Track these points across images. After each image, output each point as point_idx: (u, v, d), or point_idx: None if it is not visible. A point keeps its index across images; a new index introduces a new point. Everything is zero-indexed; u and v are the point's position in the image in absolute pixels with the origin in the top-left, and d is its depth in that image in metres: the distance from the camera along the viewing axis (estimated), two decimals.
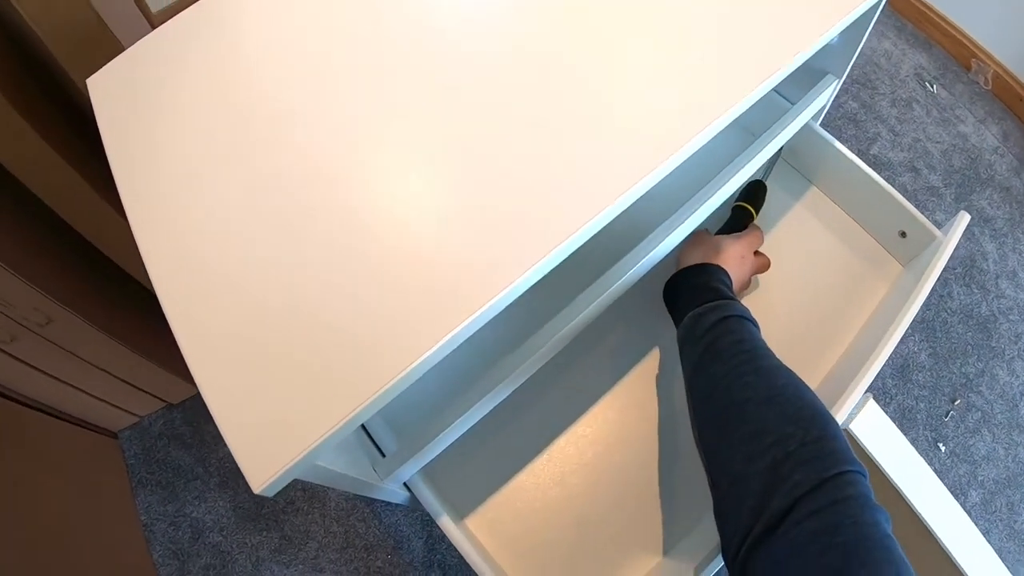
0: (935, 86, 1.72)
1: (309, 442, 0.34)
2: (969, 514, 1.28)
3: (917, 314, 1.39)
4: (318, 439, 0.34)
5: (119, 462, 1.25)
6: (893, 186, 0.73)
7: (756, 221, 0.74)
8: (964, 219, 0.73)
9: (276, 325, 0.38)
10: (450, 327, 0.35)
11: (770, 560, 0.35)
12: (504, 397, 0.54)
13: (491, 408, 0.54)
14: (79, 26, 0.82)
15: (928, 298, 1.42)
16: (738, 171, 0.60)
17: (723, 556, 0.40)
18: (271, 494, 0.35)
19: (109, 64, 0.55)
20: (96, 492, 1.19)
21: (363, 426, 0.59)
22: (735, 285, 0.64)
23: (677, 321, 0.57)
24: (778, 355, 0.69)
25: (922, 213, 0.74)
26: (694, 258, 0.62)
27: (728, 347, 0.50)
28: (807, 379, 0.68)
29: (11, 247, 0.95)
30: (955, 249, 1.46)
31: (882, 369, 1.34)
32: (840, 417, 0.60)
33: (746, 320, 0.53)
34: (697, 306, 0.55)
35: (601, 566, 0.59)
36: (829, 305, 0.74)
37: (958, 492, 1.30)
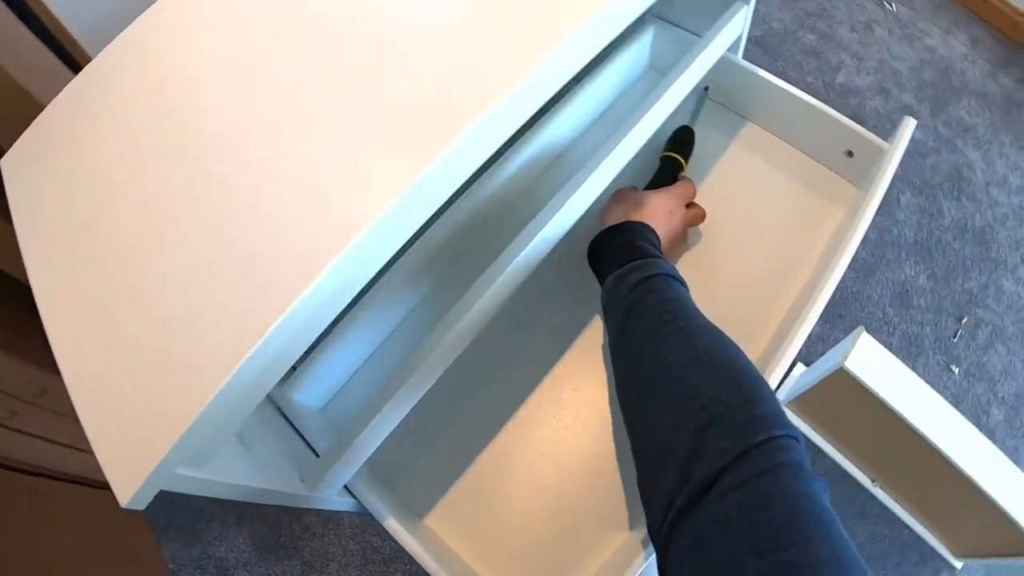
0: (894, 4, 1.67)
1: (161, 451, 0.33)
2: (993, 433, 1.25)
3: (909, 237, 1.37)
4: (167, 448, 0.33)
5: (140, 515, 1.28)
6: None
7: (687, 170, 0.72)
8: (909, 124, 0.70)
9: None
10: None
11: (693, 536, 0.32)
12: (431, 382, 0.53)
13: (419, 395, 0.53)
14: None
15: (918, 219, 1.40)
16: (644, 116, 0.58)
17: (648, 532, 0.37)
18: (141, 507, 0.34)
19: (21, 137, 0.56)
20: (124, 547, 1.22)
21: (303, 436, 0.59)
22: (666, 242, 0.61)
23: (601, 283, 0.55)
24: (735, 302, 0.68)
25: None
26: (615, 217, 0.59)
27: (651, 307, 0.47)
28: (768, 319, 0.67)
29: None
30: (939, 164, 1.44)
31: (880, 299, 1.32)
32: (793, 347, 0.57)
33: (672, 278, 0.50)
34: (619, 267, 0.52)
35: (569, 546, 0.58)
36: (784, 240, 0.72)
37: (980, 412, 1.26)
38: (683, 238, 0.67)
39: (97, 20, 1.19)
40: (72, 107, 0.56)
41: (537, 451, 0.63)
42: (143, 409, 0.36)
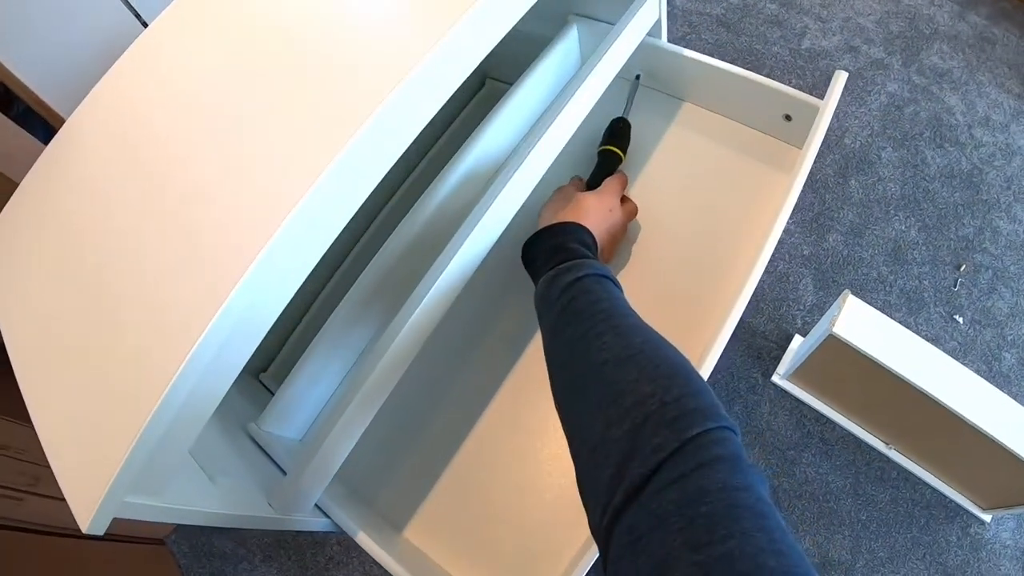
0: None
1: (109, 475, 0.36)
2: (1008, 378, 1.22)
3: (895, 192, 1.35)
4: (115, 472, 0.36)
5: (173, 566, 1.32)
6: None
7: (626, 161, 0.73)
8: (840, 77, 0.70)
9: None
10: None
11: (630, 534, 0.32)
12: (385, 392, 0.55)
13: (375, 407, 0.54)
14: None
15: (903, 172, 1.38)
16: (563, 110, 0.59)
17: (590, 530, 0.37)
18: (100, 531, 0.37)
19: None
20: None
21: (281, 469, 0.61)
22: (607, 239, 0.62)
23: (536, 286, 0.55)
24: (694, 282, 0.69)
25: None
26: (549, 217, 0.60)
27: (583, 308, 0.47)
28: (728, 294, 0.68)
29: (8, 399, 1.02)
30: (918, 114, 1.41)
31: (873, 259, 1.30)
32: (736, 311, 0.57)
33: (604, 278, 0.50)
34: (550, 268, 0.52)
35: (548, 545, 0.59)
36: (736, 212, 0.72)
37: (991, 359, 1.23)
38: (623, 233, 0.67)
39: (67, 83, 1.25)
40: (37, 186, 0.59)
41: (506, 454, 0.64)
42: (92, 441, 0.40)
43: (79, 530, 1.09)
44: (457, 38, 0.43)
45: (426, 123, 0.45)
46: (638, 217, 0.71)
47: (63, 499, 1.15)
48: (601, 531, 0.35)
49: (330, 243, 0.43)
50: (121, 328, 0.42)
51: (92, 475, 0.38)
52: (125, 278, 0.44)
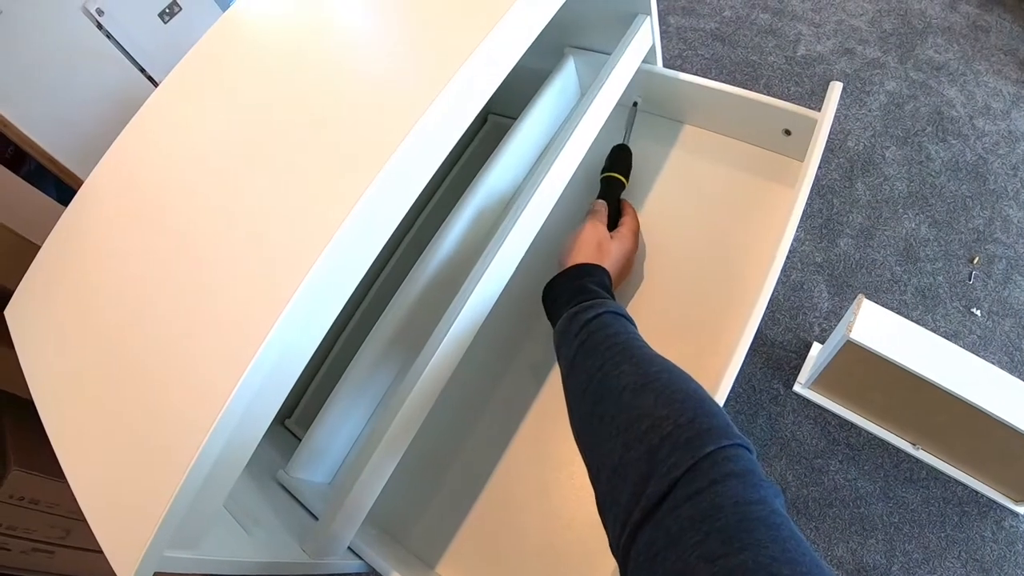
0: None
1: (149, 532, 0.37)
2: None
3: (902, 190, 1.35)
4: (153, 531, 0.37)
5: None
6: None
7: (629, 186, 0.74)
8: (835, 88, 0.70)
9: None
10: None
11: (648, 551, 0.33)
12: (412, 432, 0.55)
13: (403, 447, 0.55)
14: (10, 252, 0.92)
15: (908, 170, 1.38)
16: (567, 142, 0.60)
17: (611, 550, 0.38)
18: None
19: (19, 287, 0.61)
20: None
21: (312, 514, 0.62)
22: (620, 277, 0.65)
23: (554, 324, 0.57)
24: (707, 303, 0.69)
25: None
26: (573, 255, 0.62)
27: (602, 341, 0.49)
28: (741, 312, 0.68)
29: (36, 457, 1.04)
30: (918, 110, 1.42)
31: (885, 259, 1.30)
32: (753, 321, 0.58)
33: (621, 316, 0.53)
34: (570, 306, 0.55)
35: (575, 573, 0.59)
36: (743, 230, 0.73)
37: (1012, 349, 1.22)
38: (632, 265, 0.69)
39: (78, 140, 1.28)
40: (59, 250, 0.61)
41: (532, 486, 0.64)
42: (130, 499, 0.41)
43: None
44: (462, 82, 0.44)
45: (438, 165, 0.46)
46: (647, 240, 0.72)
47: (93, 551, 1.16)
48: (620, 549, 0.36)
49: (352, 290, 0.44)
50: (151, 387, 0.43)
51: (131, 532, 0.39)
52: (150, 338, 0.45)
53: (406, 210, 0.45)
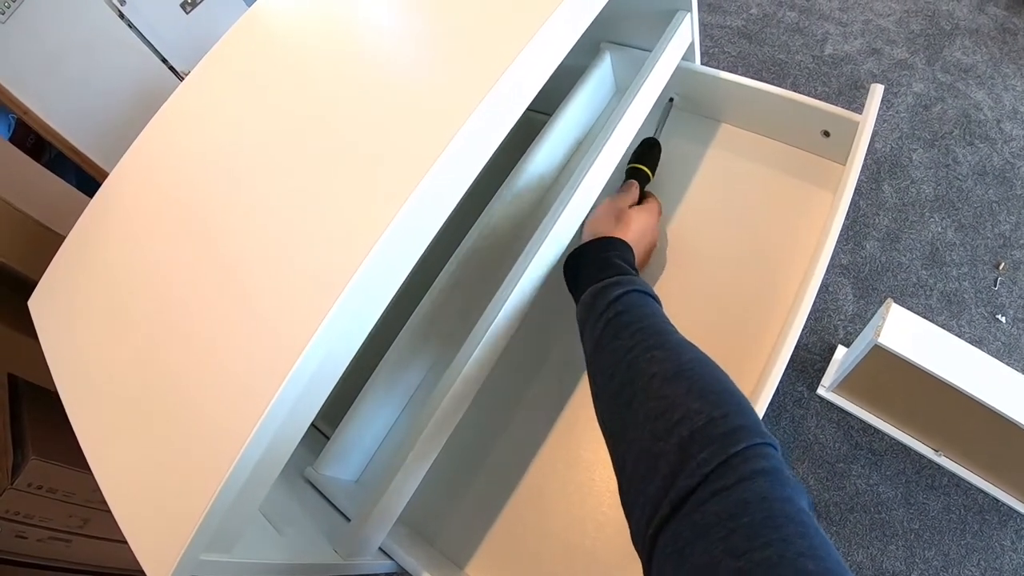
0: None
1: (185, 537, 0.36)
2: None
3: (929, 193, 1.33)
4: (189, 535, 0.36)
5: None
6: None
7: (657, 181, 0.73)
8: (876, 91, 0.69)
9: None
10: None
11: (675, 543, 0.33)
12: (447, 433, 0.55)
13: (438, 448, 0.54)
14: (32, 241, 0.92)
15: (935, 173, 1.36)
16: (611, 136, 0.59)
17: (632, 541, 0.38)
18: None
19: (43, 278, 0.61)
20: None
21: (336, 507, 0.61)
22: (643, 257, 0.63)
23: (577, 297, 0.55)
24: (740, 306, 0.68)
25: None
26: (598, 229, 0.60)
27: (632, 322, 0.48)
28: (776, 317, 0.67)
29: (55, 445, 1.04)
30: (945, 112, 1.40)
31: (911, 263, 1.28)
32: (792, 336, 0.57)
33: (649, 296, 0.52)
34: (597, 281, 0.53)
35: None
36: (779, 232, 0.72)
37: None
38: (654, 248, 0.67)
39: (99, 129, 1.27)
40: (83, 244, 0.60)
41: (564, 487, 0.64)
42: (165, 503, 0.40)
43: (126, 570, 1.09)
44: (510, 82, 0.43)
45: (484, 163, 0.45)
46: (680, 239, 0.71)
47: (111, 540, 1.16)
48: (646, 540, 0.36)
49: (395, 291, 0.43)
50: (186, 389, 0.42)
51: (165, 535, 0.38)
52: (184, 339, 0.44)
53: (452, 209, 0.44)
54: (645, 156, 0.72)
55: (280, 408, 0.38)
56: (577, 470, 0.64)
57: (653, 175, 0.72)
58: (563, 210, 0.56)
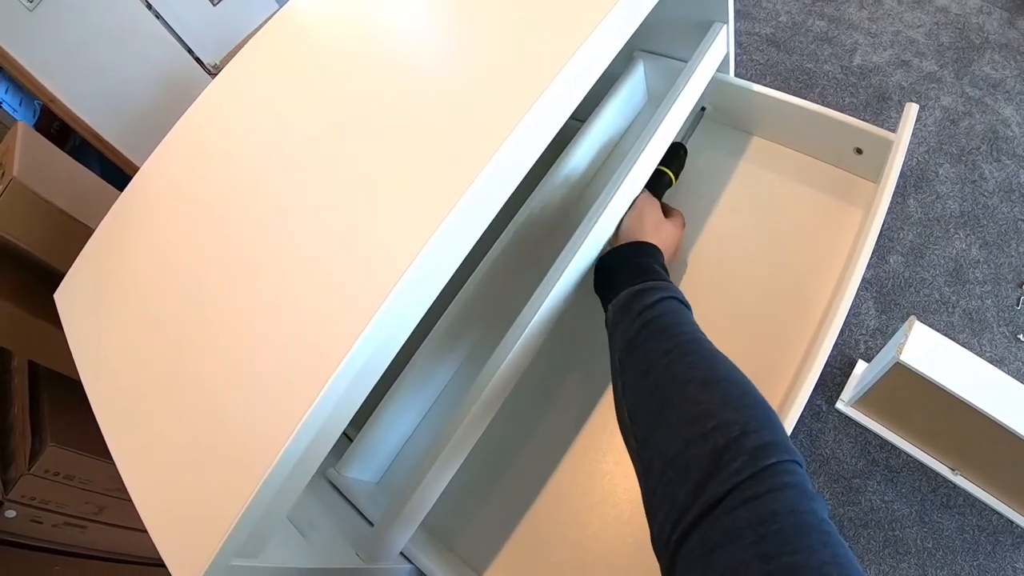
0: None
1: (216, 542, 0.36)
2: None
3: (955, 209, 1.32)
4: (220, 542, 0.36)
5: None
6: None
7: (682, 187, 0.72)
8: (912, 110, 0.69)
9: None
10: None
11: (703, 546, 0.35)
12: (472, 440, 0.55)
13: (463, 455, 0.54)
14: (56, 229, 0.92)
15: (961, 189, 1.34)
16: (646, 145, 0.59)
17: (653, 544, 0.39)
18: None
19: (70, 271, 0.61)
20: None
21: (359, 511, 0.61)
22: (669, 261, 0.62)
23: (608, 297, 0.55)
24: (769, 320, 0.68)
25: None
26: (634, 232, 0.60)
27: (668, 327, 0.49)
28: (805, 333, 0.66)
29: (73, 433, 1.05)
30: (973, 127, 1.38)
31: (934, 279, 1.27)
32: (822, 354, 0.56)
33: (684, 305, 0.52)
34: (634, 284, 0.54)
35: None
36: (809, 248, 0.71)
37: None
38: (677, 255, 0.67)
39: (124, 118, 1.28)
40: (112, 239, 0.60)
41: (586, 497, 0.63)
42: (196, 508, 0.40)
43: (140, 557, 1.09)
44: (560, 87, 0.43)
45: (532, 163, 0.45)
46: (709, 249, 0.71)
47: (127, 527, 1.16)
48: (670, 543, 0.37)
49: (434, 299, 0.43)
50: (219, 394, 0.42)
51: (197, 541, 0.38)
52: (219, 341, 0.44)
53: (494, 215, 0.44)
54: (671, 160, 0.71)
55: (318, 415, 0.38)
56: (599, 481, 0.64)
57: (677, 180, 0.71)
58: (596, 221, 0.56)
